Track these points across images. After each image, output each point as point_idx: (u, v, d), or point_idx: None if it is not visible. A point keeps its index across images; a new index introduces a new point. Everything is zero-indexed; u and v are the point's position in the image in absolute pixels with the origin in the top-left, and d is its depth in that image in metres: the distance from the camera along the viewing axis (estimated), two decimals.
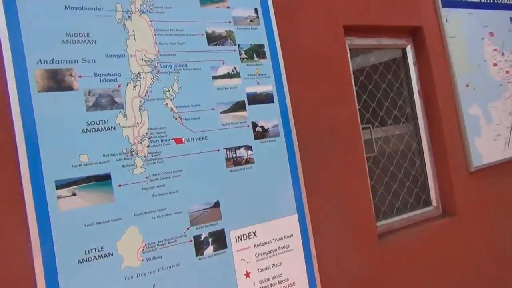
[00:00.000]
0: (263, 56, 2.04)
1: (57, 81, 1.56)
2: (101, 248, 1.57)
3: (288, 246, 1.99)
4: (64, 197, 1.52)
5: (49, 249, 1.48)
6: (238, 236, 1.86)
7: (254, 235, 1.90)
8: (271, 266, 1.93)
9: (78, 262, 1.52)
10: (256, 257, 1.90)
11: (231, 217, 1.85)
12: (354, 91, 2.40)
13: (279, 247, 1.96)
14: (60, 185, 1.52)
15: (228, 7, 1.98)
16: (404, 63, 2.82)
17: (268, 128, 2.00)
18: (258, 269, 1.90)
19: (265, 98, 2.02)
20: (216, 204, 1.82)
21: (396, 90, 2.76)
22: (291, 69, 2.12)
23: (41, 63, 1.54)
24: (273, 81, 2.05)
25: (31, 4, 1.54)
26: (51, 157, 1.51)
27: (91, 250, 1.55)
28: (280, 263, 1.95)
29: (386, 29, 2.64)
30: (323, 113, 2.22)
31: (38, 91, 1.52)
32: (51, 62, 1.56)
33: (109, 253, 1.58)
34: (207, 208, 1.80)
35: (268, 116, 2.01)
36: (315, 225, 2.07)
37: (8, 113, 1.46)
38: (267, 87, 2.03)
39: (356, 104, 2.40)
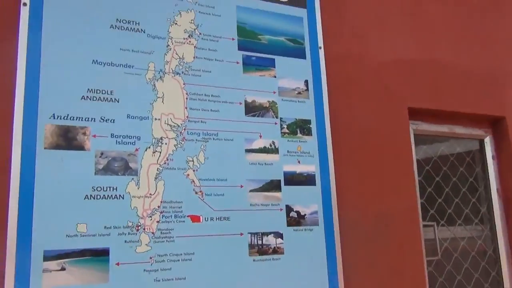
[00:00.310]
0: (308, 132, 1.80)
1: (67, 139, 1.42)
2: None
3: None
4: (50, 271, 1.31)
5: None
6: None
7: None
8: None
9: None
10: None
11: None
12: (417, 182, 2.06)
13: None
14: (48, 256, 1.32)
15: (275, 77, 1.80)
16: (481, 156, 2.44)
17: (305, 215, 1.71)
18: None
19: (306, 180, 1.75)
20: None
21: (469, 185, 2.36)
22: (339, 150, 1.85)
23: (54, 118, 1.41)
24: (317, 161, 1.79)
25: (56, 55, 1.46)
26: (44, 223, 1.33)
27: None
28: None
29: (460, 116, 2.31)
30: (375, 203, 1.90)
31: (45, 148, 1.38)
32: (65, 118, 1.43)
33: None
34: None
35: (307, 200, 1.73)
36: None
37: (7, 167, 1.33)
38: (309, 167, 1.77)
39: (418, 197, 2.05)
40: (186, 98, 1.62)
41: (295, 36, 1.88)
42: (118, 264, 1.40)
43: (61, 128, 1.42)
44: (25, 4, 1.45)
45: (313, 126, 1.82)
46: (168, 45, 1.63)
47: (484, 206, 2.37)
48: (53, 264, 1.32)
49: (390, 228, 1.90)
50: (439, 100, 2.21)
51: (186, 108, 1.62)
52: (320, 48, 1.92)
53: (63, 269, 1.33)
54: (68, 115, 1.44)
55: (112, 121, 1.49)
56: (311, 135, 1.81)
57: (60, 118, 1.43)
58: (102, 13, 1.56)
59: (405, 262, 1.90)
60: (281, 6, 1.89)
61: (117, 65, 1.54)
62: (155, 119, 1.56)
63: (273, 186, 1.69)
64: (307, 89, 1.85)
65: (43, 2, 1.47)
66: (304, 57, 1.88)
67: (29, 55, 1.42)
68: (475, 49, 2.37)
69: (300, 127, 1.80)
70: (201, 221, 1.54)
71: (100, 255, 1.38)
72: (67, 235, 1.36)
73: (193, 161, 1.58)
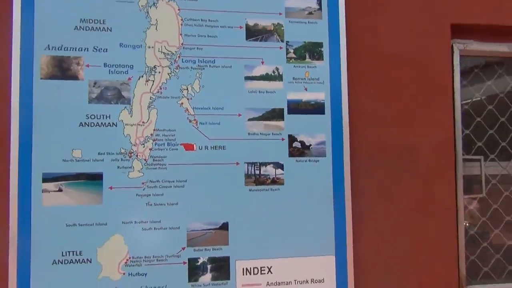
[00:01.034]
0: (319, 57, 1.66)
1: (62, 69, 1.48)
2: (80, 252, 1.45)
3: None
4: (49, 192, 1.44)
5: (25, 242, 1.41)
6: (247, 269, 1.55)
7: (269, 271, 1.56)
8: None
9: (53, 263, 1.43)
10: None
11: (241, 244, 1.55)
12: (458, 111, 1.82)
13: None
14: (47, 178, 1.44)
15: None
16: None
17: (310, 145, 1.62)
18: None
19: (313, 108, 1.64)
20: (224, 226, 1.54)
21: None
22: (357, 75, 1.69)
23: (49, 49, 1.48)
24: (328, 88, 1.66)
25: None
26: (42, 148, 1.45)
27: (69, 252, 1.44)
28: None
29: None
30: (398, 134, 1.73)
31: (41, 78, 1.46)
32: (60, 48, 1.49)
33: (87, 259, 1.45)
34: (211, 229, 1.53)
35: (313, 130, 1.63)
36: (358, 275, 1.62)
37: (7, 98, 1.44)
38: (318, 95, 1.65)
39: (457, 127, 1.82)
40: (181, 24, 1.58)
41: None
42: (111, 188, 1.48)
43: (56, 58, 1.48)
44: None
45: (325, 49, 1.67)
46: None
47: None
48: (51, 186, 1.45)
49: (416, 161, 1.73)
50: (497, 15, 1.87)
51: (181, 34, 1.57)
52: None
53: (60, 190, 1.45)
54: (62, 45, 1.49)
55: (105, 50, 1.52)
56: (322, 59, 1.66)
57: (55, 49, 1.49)
58: None
59: (433, 200, 1.73)
60: None
61: None
62: (148, 47, 1.55)
63: (274, 114, 1.62)
64: (320, 8, 1.68)
65: None
66: None
67: None
68: None
69: (309, 51, 1.66)
70: (194, 149, 1.55)
71: (94, 179, 1.48)
72: (63, 160, 1.46)
73: (187, 89, 1.56)
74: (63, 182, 1.45)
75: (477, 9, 1.84)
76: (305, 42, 1.66)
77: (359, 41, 1.71)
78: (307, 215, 1.60)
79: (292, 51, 1.65)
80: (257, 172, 1.59)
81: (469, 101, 1.96)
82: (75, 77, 1.49)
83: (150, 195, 1.50)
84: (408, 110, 1.75)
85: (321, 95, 1.65)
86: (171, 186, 1.52)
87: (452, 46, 1.85)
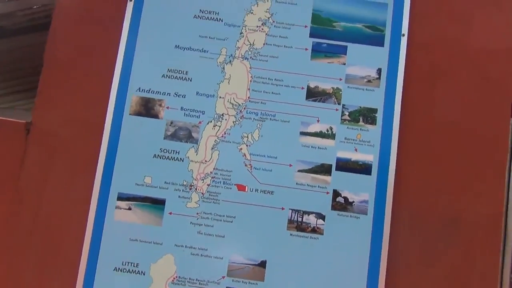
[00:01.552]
0: (372, 121, 1.79)
1: (147, 108, 1.78)
2: (137, 264, 1.69)
3: None
4: (121, 208, 1.72)
5: (95, 247, 1.69)
6: None
7: None
8: None
9: (114, 269, 1.69)
10: None
11: (275, 282, 1.69)
12: (509, 187, 1.82)
13: None
14: (121, 197, 1.73)
15: (344, 64, 1.83)
16: None
17: (353, 202, 1.74)
18: None
19: (360, 168, 1.76)
20: (262, 264, 1.70)
21: None
22: (408, 142, 1.78)
23: (139, 91, 1.79)
24: (378, 151, 1.77)
25: (148, 41, 1.82)
26: (122, 172, 1.74)
27: (128, 263, 1.69)
28: None
29: None
30: (444, 202, 1.77)
31: (130, 114, 1.78)
32: (148, 91, 1.79)
33: (141, 271, 1.69)
34: (250, 264, 1.70)
35: (358, 188, 1.75)
36: None
37: (101, 128, 1.76)
38: (367, 156, 1.77)
39: (506, 203, 1.82)
40: (250, 81, 1.81)
41: (375, 22, 1.85)
42: (170, 213, 1.72)
43: (143, 99, 1.79)
44: (131, 0, 1.85)
45: (379, 115, 1.79)
46: (242, 33, 1.84)
47: None
48: (123, 204, 1.72)
49: (460, 233, 1.76)
50: None
51: (249, 89, 1.81)
52: (404, 35, 1.84)
53: (129, 208, 1.72)
54: (150, 89, 1.80)
55: (183, 96, 1.80)
56: (375, 124, 1.79)
57: (144, 91, 1.79)
58: (189, 5, 1.85)
59: (473, 273, 1.74)
60: None
61: (194, 49, 1.82)
62: (220, 97, 1.80)
63: (323, 169, 1.76)
64: (379, 78, 1.82)
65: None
66: (382, 44, 1.84)
67: (128, 40, 1.82)
68: None
69: (363, 115, 1.80)
70: (246, 190, 1.74)
71: (158, 203, 1.73)
72: (136, 184, 1.74)
73: (247, 137, 1.77)
74: (133, 202, 1.73)
75: None
76: (360, 107, 1.81)
77: (414, 109, 1.81)
78: (341, 268, 1.70)
79: (347, 113, 1.80)
80: (300, 219, 1.73)
81: None
82: (156, 116, 1.78)
83: (202, 225, 1.72)
84: (457, 181, 1.79)
85: (370, 157, 1.77)
86: (221, 220, 1.72)
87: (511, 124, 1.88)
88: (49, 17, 2.76)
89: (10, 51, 3.31)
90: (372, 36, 1.85)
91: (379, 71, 1.83)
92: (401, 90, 1.81)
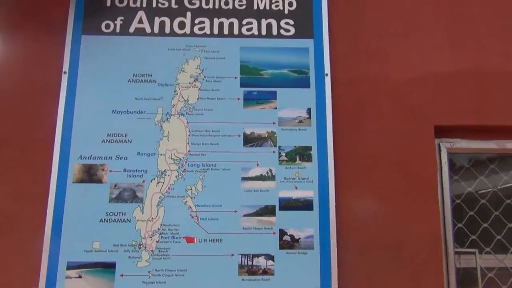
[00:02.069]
0: (308, 159, 1.88)
1: (90, 174, 1.82)
2: None
3: None
4: (71, 278, 1.72)
5: None
6: None
7: None
8: None
9: None
10: None
11: None
12: (447, 204, 1.94)
13: None
14: (70, 266, 1.73)
15: (275, 108, 1.94)
16: None
17: (299, 238, 1.81)
18: None
19: (302, 205, 1.84)
20: None
21: None
22: (344, 175, 1.89)
23: (81, 158, 1.84)
24: (317, 186, 1.86)
25: (85, 108, 1.88)
26: (69, 240, 1.75)
27: None
28: None
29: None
30: (385, 229, 1.86)
31: (73, 182, 1.81)
32: (89, 158, 1.84)
33: None
34: None
35: (302, 225, 1.82)
36: None
37: (46, 198, 1.78)
38: (307, 193, 1.85)
39: (446, 221, 1.93)
40: (189, 135, 1.89)
41: (300, 66, 1.98)
42: (122, 275, 1.74)
43: (86, 166, 1.83)
44: (65, 73, 1.92)
45: (314, 152, 1.90)
46: (175, 90, 1.93)
47: None
48: (73, 273, 1.73)
49: (403, 256, 1.84)
50: (482, 115, 2.02)
51: (188, 143, 1.88)
52: (327, 75, 1.97)
53: (80, 276, 1.73)
54: (91, 155, 1.85)
55: (125, 158, 1.85)
56: (311, 161, 1.89)
57: (85, 158, 1.84)
58: (122, 71, 1.94)
59: None
60: (286, 41, 2.01)
61: (131, 112, 1.90)
62: (161, 154, 1.86)
63: (267, 211, 1.83)
64: (309, 117, 1.93)
65: (78, 70, 1.92)
66: (308, 86, 1.96)
67: (66, 110, 1.88)
68: None
69: (299, 154, 1.89)
70: (195, 242, 1.78)
71: (108, 267, 1.74)
72: (84, 250, 1.75)
73: (191, 189, 1.83)
74: (83, 269, 1.73)
75: (459, 111, 2.01)
76: (295, 146, 1.90)
77: (346, 144, 1.93)
78: None
79: (284, 154, 1.89)
80: (250, 263, 1.78)
81: (462, 196, 2.07)
82: (99, 181, 1.82)
83: (154, 282, 1.74)
84: (394, 207, 1.89)
85: (310, 193, 1.86)
86: (173, 275, 1.75)
87: (439, 145, 2.02)
88: None
89: None
90: (298, 79, 1.97)
91: (308, 110, 1.94)
92: (331, 126, 1.92)
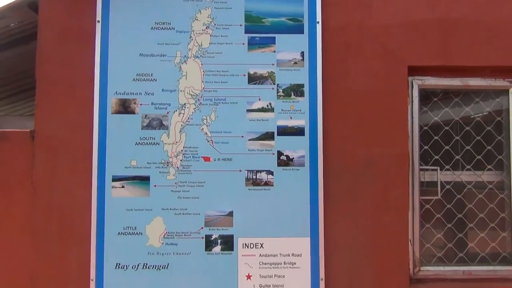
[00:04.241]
0: (301, 94, 2.30)
1: (125, 107, 2.26)
2: (135, 227, 2.22)
3: (295, 263, 2.24)
4: (116, 188, 2.22)
5: (101, 218, 2.21)
6: (245, 244, 2.24)
7: (261, 246, 2.24)
8: (273, 276, 2.23)
9: (118, 234, 2.21)
10: (260, 264, 2.23)
11: (241, 226, 2.24)
12: (415, 129, 2.38)
13: (284, 262, 2.24)
14: (115, 179, 2.23)
15: (274, 51, 2.32)
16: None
17: (293, 158, 2.27)
18: (260, 275, 2.23)
19: (296, 131, 2.29)
20: (230, 214, 2.24)
21: (486, 135, 2.52)
22: (330, 107, 2.31)
23: (117, 94, 2.27)
24: (307, 116, 2.30)
25: (117, 52, 2.28)
26: (112, 159, 2.24)
27: (128, 227, 2.21)
28: (284, 276, 2.23)
29: (478, 70, 2.44)
30: (362, 150, 2.32)
31: (112, 113, 2.25)
32: (123, 93, 2.27)
33: (139, 232, 2.21)
34: (221, 215, 2.24)
35: (296, 147, 2.28)
36: (330, 251, 2.25)
37: (91, 126, 2.24)
38: (300, 122, 2.29)
39: (411, 143, 2.38)
40: (203, 74, 2.30)
41: (295, 15, 2.34)
42: (155, 186, 2.23)
43: (121, 100, 2.27)
44: (98, 21, 2.29)
45: (306, 89, 2.31)
46: (191, 37, 2.31)
47: (501, 153, 2.50)
48: (117, 184, 2.23)
49: (377, 170, 2.32)
50: (449, 56, 2.39)
51: (202, 81, 2.29)
52: (318, 22, 2.33)
53: (122, 186, 2.23)
54: (125, 91, 2.27)
55: (152, 94, 2.28)
56: (304, 96, 2.30)
57: (120, 94, 2.27)
58: (146, 20, 2.31)
59: (388, 200, 2.31)
60: None
61: (155, 55, 2.30)
62: (181, 91, 2.28)
63: (267, 136, 2.28)
64: (303, 59, 2.32)
65: (109, 19, 2.29)
66: (302, 32, 2.33)
67: (101, 53, 2.28)
68: (497, 1, 2.41)
69: (294, 90, 2.31)
70: (210, 160, 2.26)
71: (144, 180, 2.24)
72: (125, 167, 2.24)
73: (206, 119, 2.27)
74: (125, 181, 2.23)
75: (430, 53, 2.38)
76: (291, 84, 2.31)
77: (333, 81, 2.33)
78: (289, 208, 2.25)
79: (281, 90, 2.31)
80: (254, 177, 2.26)
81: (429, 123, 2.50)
82: (133, 112, 2.26)
83: (180, 191, 2.24)
84: (370, 133, 2.33)
85: (302, 122, 2.30)
86: (194, 186, 2.24)
87: (412, 82, 2.42)
88: (26, 31, 3.16)
89: None
90: (293, 27, 2.34)
91: (302, 54, 2.33)
92: (321, 67, 2.32)
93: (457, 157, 2.50)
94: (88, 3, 2.31)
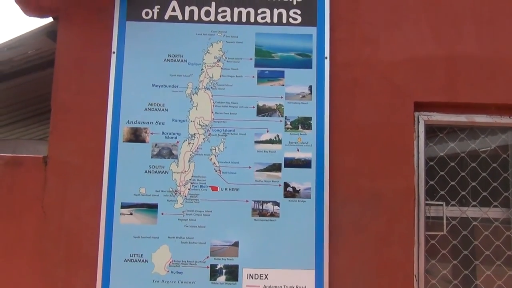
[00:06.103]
0: (308, 127, 2.35)
1: (136, 136, 2.32)
2: (141, 255, 2.24)
3: None
4: (124, 214, 2.26)
5: (108, 245, 2.24)
6: (250, 274, 2.25)
7: (266, 277, 2.25)
8: None
9: (124, 260, 2.24)
10: None
11: (246, 256, 2.26)
12: (421, 164, 2.40)
13: None
14: (123, 205, 2.27)
15: (283, 85, 2.38)
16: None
17: (299, 190, 2.30)
18: None
19: (302, 164, 2.33)
20: (235, 244, 2.26)
21: (491, 171, 2.53)
22: (337, 140, 2.35)
23: (129, 123, 2.33)
24: (314, 149, 2.34)
25: (131, 82, 2.36)
26: (122, 186, 2.28)
27: (135, 254, 2.24)
28: None
29: (483, 107, 2.48)
30: (368, 184, 2.35)
31: (123, 141, 2.31)
32: (135, 122, 2.33)
33: (145, 260, 2.24)
34: (227, 245, 2.26)
35: (302, 179, 2.31)
36: (334, 284, 2.25)
37: (102, 153, 2.29)
38: (307, 154, 2.33)
39: (417, 178, 2.40)
40: (213, 106, 2.36)
41: (304, 50, 2.41)
42: (162, 214, 2.27)
43: (132, 129, 2.33)
44: (114, 52, 2.37)
45: (313, 122, 2.36)
46: (202, 69, 2.38)
47: (507, 191, 2.51)
48: (126, 211, 2.27)
49: (382, 204, 2.34)
50: (455, 93, 2.44)
51: (212, 112, 2.35)
52: (326, 58, 2.40)
53: (131, 213, 2.26)
54: (136, 120, 2.34)
55: (163, 123, 2.34)
56: (311, 129, 2.35)
57: (132, 123, 2.33)
58: (159, 52, 2.39)
59: (393, 233, 2.32)
60: (293, 28, 2.43)
61: (167, 86, 2.37)
62: (191, 121, 2.34)
63: (275, 168, 2.32)
64: (311, 93, 2.38)
65: (124, 50, 2.38)
66: (310, 67, 2.40)
67: (115, 83, 2.36)
68: (502, 39, 2.47)
69: (301, 123, 2.36)
70: (218, 190, 2.30)
71: (152, 207, 2.27)
72: (134, 194, 2.28)
73: (215, 149, 2.32)
74: (133, 208, 2.27)
75: (436, 89, 2.43)
76: (298, 117, 2.36)
77: (340, 115, 2.38)
78: (295, 239, 2.27)
79: (289, 123, 2.36)
80: (260, 207, 2.29)
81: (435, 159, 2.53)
82: (143, 141, 2.32)
83: (187, 219, 2.27)
84: (377, 166, 2.37)
85: (309, 154, 2.34)
86: (201, 215, 2.28)
87: (418, 118, 2.46)
88: (43, 58, 3.27)
89: (7, 90, 3.79)
90: (302, 61, 2.40)
91: (310, 87, 2.39)
92: (328, 101, 2.37)
93: (463, 193, 2.51)
94: (104, 34, 2.41)
